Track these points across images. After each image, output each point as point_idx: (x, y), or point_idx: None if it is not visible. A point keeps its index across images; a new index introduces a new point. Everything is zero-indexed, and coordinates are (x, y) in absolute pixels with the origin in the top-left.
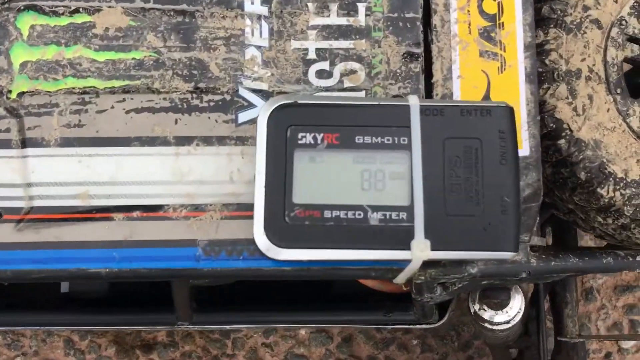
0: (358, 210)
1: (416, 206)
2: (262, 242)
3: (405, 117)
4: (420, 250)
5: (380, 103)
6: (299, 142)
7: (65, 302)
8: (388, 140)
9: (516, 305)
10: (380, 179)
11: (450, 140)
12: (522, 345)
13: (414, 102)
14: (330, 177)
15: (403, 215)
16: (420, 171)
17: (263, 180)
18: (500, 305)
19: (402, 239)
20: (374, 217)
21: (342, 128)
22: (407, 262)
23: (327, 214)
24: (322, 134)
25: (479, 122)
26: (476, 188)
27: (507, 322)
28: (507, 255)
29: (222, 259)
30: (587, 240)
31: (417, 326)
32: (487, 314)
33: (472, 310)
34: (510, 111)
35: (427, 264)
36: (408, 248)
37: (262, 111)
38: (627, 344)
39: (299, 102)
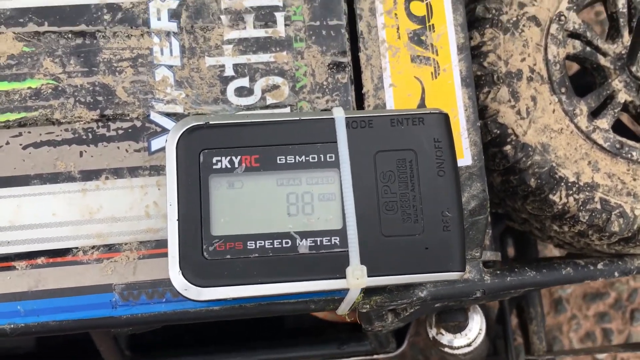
0: (285, 239)
1: (349, 229)
2: (179, 282)
3: (330, 131)
4: (357, 278)
5: (302, 118)
6: (214, 167)
7: None
8: (313, 158)
9: (475, 327)
10: (307, 202)
11: (381, 154)
12: None
13: (339, 114)
14: (251, 204)
15: (335, 240)
16: (351, 190)
17: (176, 212)
18: (458, 327)
19: (336, 266)
20: (304, 245)
21: (262, 148)
22: (346, 291)
23: (251, 245)
24: (239, 157)
25: (412, 132)
26: (414, 204)
27: (468, 344)
28: (454, 275)
29: (143, 304)
30: (552, 249)
31: (374, 357)
32: (445, 338)
33: (430, 335)
34: (444, 118)
35: (371, 291)
36: (343, 276)
37: (170, 135)
38: (602, 355)
39: (211, 122)
